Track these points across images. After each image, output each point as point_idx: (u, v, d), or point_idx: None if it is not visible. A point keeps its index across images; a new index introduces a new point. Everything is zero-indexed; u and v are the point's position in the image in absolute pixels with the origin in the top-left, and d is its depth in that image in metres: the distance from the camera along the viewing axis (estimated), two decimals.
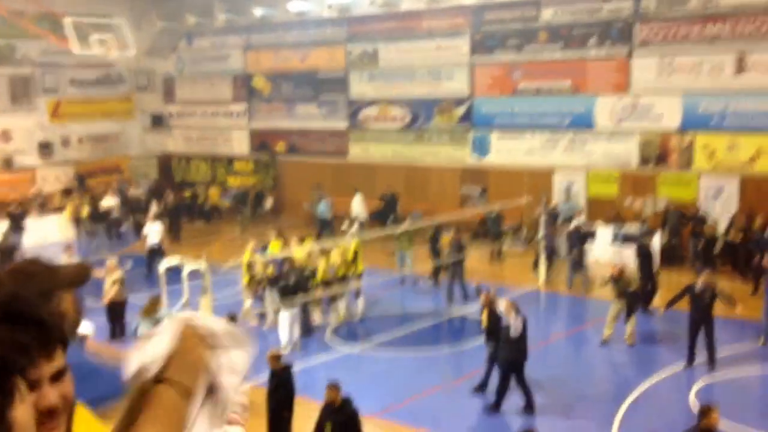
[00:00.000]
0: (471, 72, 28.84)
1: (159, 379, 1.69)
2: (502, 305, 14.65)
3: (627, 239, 23.28)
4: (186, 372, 1.72)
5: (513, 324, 14.20)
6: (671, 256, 22.64)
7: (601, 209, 24.79)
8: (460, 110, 29.23)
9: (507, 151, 28.06)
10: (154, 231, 25.54)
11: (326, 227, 28.49)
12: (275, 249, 20.74)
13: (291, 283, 18.17)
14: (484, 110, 28.68)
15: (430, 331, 19.38)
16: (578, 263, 21.99)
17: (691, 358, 16.22)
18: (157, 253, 24.30)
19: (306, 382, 15.21)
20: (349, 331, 19.65)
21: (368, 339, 18.89)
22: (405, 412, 14.74)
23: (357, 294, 20.55)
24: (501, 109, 28.25)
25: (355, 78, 31.88)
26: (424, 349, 18.06)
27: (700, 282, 16.25)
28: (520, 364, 14.38)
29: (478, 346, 17.47)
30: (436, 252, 22.62)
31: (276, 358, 13.09)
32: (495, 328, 14.81)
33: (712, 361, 16.13)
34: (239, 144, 36.06)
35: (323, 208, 29.20)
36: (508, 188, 26.69)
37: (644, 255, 20.10)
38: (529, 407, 14.41)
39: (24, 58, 34.16)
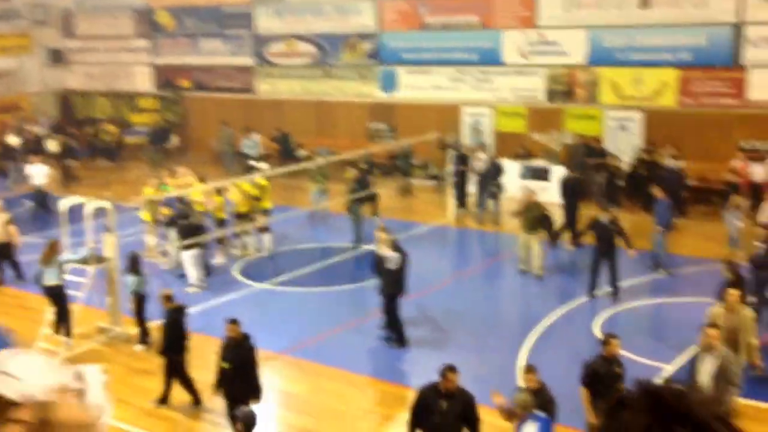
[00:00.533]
0: (378, 7, 28.25)
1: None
2: (379, 238, 14.57)
3: (534, 174, 23.30)
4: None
5: (388, 257, 14.15)
6: (577, 190, 22.74)
7: (509, 145, 24.72)
8: (368, 46, 28.68)
9: (415, 87, 27.71)
10: (38, 172, 24.88)
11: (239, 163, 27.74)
12: (171, 188, 20.09)
13: (189, 223, 17.65)
14: (391, 46, 28.19)
15: (340, 267, 19.10)
16: (493, 196, 21.90)
17: (593, 289, 16.36)
18: (44, 194, 23.72)
19: (212, 320, 14.87)
20: (258, 268, 19.31)
21: (277, 276, 18.52)
22: (314, 350, 14.54)
23: (264, 230, 20.16)
24: (408, 45, 27.80)
25: (261, 13, 30.90)
26: (334, 285, 17.79)
27: (604, 216, 16.33)
28: (396, 297, 14.36)
29: None
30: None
31: (167, 297, 12.88)
32: (380, 263, 14.67)
33: (615, 293, 16.30)
34: (143, 80, 34.78)
35: (251, 144, 28.42)
36: (417, 124, 26.43)
37: (571, 191, 20.12)
38: (399, 341, 14.38)
39: None
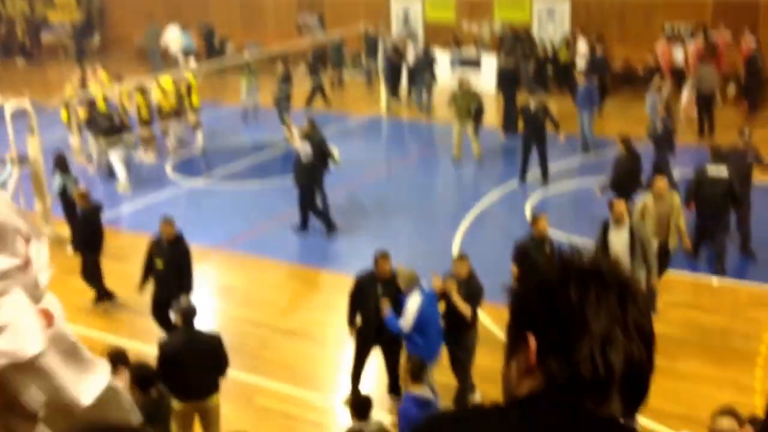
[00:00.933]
0: None
1: None
2: (287, 133, 14.73)
3: (465, 63, 23.29)
4: None
5: (301, 149, 14.35)
6: (513, 79, 22.90)
7: (439, 35, 24.56)
8: None
9: None
10: None
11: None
12: (93, 87, 19.59)
13: (109, 125, 17.33)
14: None
15: (272, 162, 19.01)
16: (426, 86, 21.88)
17: (523, 174, 16.66)
18: None
19: (146, 218, 14.78)
20: (190, 166, 19.12)
21: (210, 172, 18.37)
22: (250, 243, 14.63)
23: (195, 128, 19.88)
24: None
25: None
26: (266, 180, 17.74)
27: (533, 103, 16.51)
28: (312, 188, 14.55)
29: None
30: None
31: (82, 196, 12.65)
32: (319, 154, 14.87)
33: (545, 176, 16.64)
34: None
35: (187, 41, 27.65)
36: (346, 16, 26.02)
37: (508, 80, 20.19)
38: (327, 228, 14.67)
39: None
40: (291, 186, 16.43)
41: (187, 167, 19.00)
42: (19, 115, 15.76)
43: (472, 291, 9.38)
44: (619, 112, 21.06)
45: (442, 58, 23.48)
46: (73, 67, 28.08)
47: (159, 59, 27.89)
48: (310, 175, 14.55)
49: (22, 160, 15.14)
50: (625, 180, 13.44)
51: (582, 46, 22.23)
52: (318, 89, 21.84)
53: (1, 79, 27.88)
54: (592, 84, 18.11)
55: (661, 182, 11.50)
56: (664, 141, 14.93)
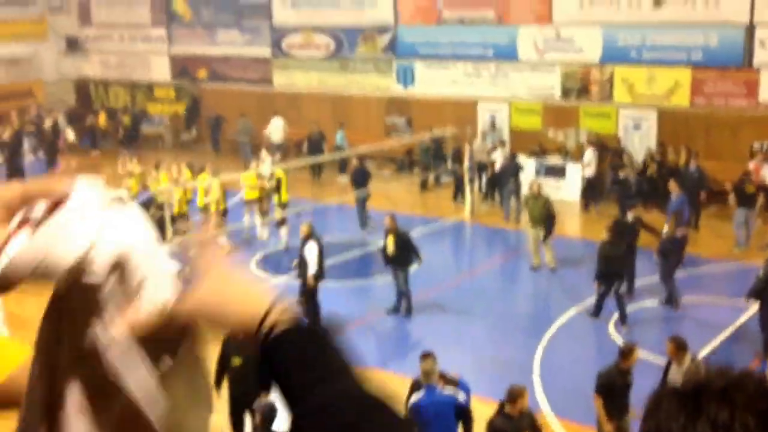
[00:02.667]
0: (395, 0, 28.47)
1: None
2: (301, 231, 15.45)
3: (550, 171, 23.60)
4: None
5: (306, 248, 14.94)
6: (592, 188, 23.13)
7: (525, 141, 25.03)
8: (384, 39, 28.95)
9: (431, 82, 27.97)
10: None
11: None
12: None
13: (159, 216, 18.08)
14: (408, 39, 28.44)
15: (360, 261, 19.46)
16: (513, 193, 22.26)
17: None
18: None
19: None
20: (275, 261, 19.52)
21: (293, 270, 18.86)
22: None
23: (281, 223, 20.44)
24: (425, 39, 28.04)
25: (278, 4, 31.19)
26: (353, 279, 18.16)
27: (629, 215, 16.82)
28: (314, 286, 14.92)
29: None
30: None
31: None
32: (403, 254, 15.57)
33: (631, 290, 16.67)
34: (159, 70, 35.11)
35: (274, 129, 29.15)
36: (433, 119, 26.66)
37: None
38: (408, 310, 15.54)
39: None
40: (371, 287, 16.66)
41: (271, 263, 19.39)
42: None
43: (532, 427, 9.15)
44: (708, 229, 20.93)
45: (527, 165, 23.84)
46: (171, 157, 29.53)
47: (249, 152, 28.93)
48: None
49: None
50: None
51: (672, 159, 22.39)
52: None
53: (98, 168, 29.26)
54: (684, 198, 18.22)
55: None
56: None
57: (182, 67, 34.36)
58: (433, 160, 25.97)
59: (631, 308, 16.21)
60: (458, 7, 27.26)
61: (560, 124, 25.19)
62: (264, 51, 31.83)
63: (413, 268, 16.28)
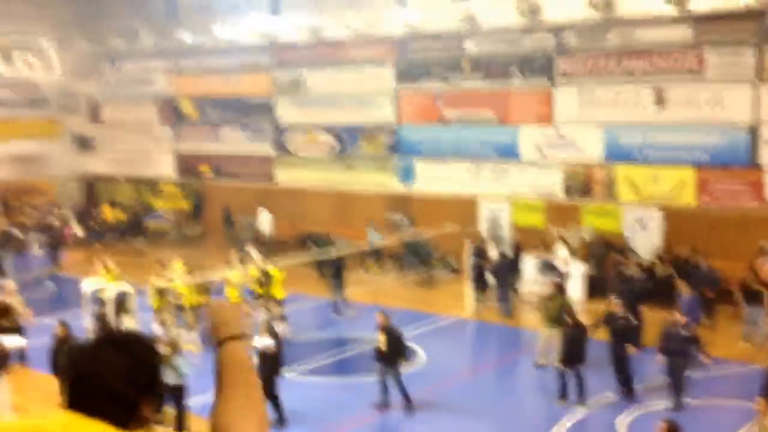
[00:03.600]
0: (396, 100, 28.22)
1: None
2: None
3: (552, 269, 22.80)
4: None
5: (262, 342, 14.58)
6: (595, 286, 22.19)
7: (527, 239, 24.19)
8: (386, 138, 28.61)
9: (432, 179, 27.49)
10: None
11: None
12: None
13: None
14: (409, 138, 28.09)
15: (361, 357, 18.42)
16: (513, 290, 21.62)
17: (626, 388, 15.68)
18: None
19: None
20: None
21: (293, 364, 17.87)
22: None
23: (279, 319, 19.64)
24: (426, 138, 27.67)
25: (281, 104, 31.03)
26: (354, 376, 17.09)
27: (619, 311, 15.85)
28: (273, 380, 14.48)
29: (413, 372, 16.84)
30: None
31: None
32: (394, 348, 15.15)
33: (630, 390, 15.67)
34: (165, 167, 34.82)
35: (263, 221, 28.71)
36: (434, 216, 26.01)
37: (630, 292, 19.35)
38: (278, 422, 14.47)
39: None
40: (372, 383, 15.85)
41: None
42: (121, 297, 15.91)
43: None
44: (717, 329, 19.89)
45: (530, 263, 23.05)
46: (174, 251, 28.82)
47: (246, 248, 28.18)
48: (273, 368, 14.60)
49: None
50: None
51: (680, 258, 21.50)
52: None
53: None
54: (695, 297, 17.32)
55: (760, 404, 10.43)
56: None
57: (187, 164, 33.95)
58: (428, 256, 25.17)
59: (637, 411, 15.03)
60: (459, 107, 26.94)
61: (563, 221, 24.43)
62: (267, 149, 31.49)
63: (414, 366, 15.31)
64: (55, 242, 30.22)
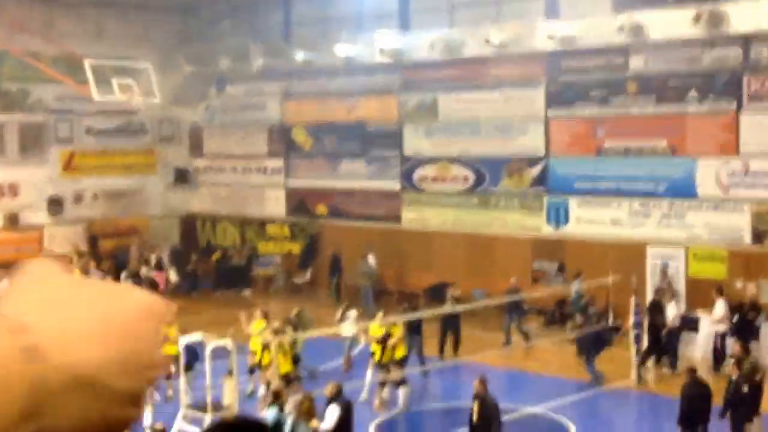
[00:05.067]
0: (546, 127, 28.04)
1: None
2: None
3: (742, 331, 21.89)
4: None
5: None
6: None
7: (706, 293, 23.31)
8: (534, 171, 28.38)
9: (589, 221, 27.05)
10: None
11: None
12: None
13: None
14: (561, 172, 27.78)
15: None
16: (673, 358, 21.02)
17: None
18: None
19: None
20: (396, 429, 19.17)
21: None
22: None
23: (399, 384, 19.69)
24: (582, 172, 27.34)
25: (409, 132, 31.22)
26: None
27: None
28: None
29: None
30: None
31: None
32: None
33: None
34: (274, 205, 35.42)
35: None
36: (590, 265, 25.42)
37: None
38: None
39: (37, 104, 34.10)
40: None
41: (392, 429, 18.82)
42: (219, 354, 16.02)
43: None
44: None
45: (705, 322, 22.24)
46: (282, 302, 29.17)
47: (371, 299, 28.24)
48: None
49: (217, 407, 15.19)
50: None
51: None
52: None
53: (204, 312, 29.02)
54: None
55: None
56: None
57: (299, 202, 34.46)
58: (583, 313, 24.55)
59: None
60: (622, 136, 26.49)
61: (752, 273, 23.55)
62: (392, 184, 31.69)
63: None
64: (147, 288, 30.97)
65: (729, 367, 17.16)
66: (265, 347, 18.85)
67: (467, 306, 22.88)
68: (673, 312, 22.07)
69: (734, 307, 22.69)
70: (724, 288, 22.57)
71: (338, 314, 22.37)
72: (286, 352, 19.15)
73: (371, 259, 29.61)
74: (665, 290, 23.95)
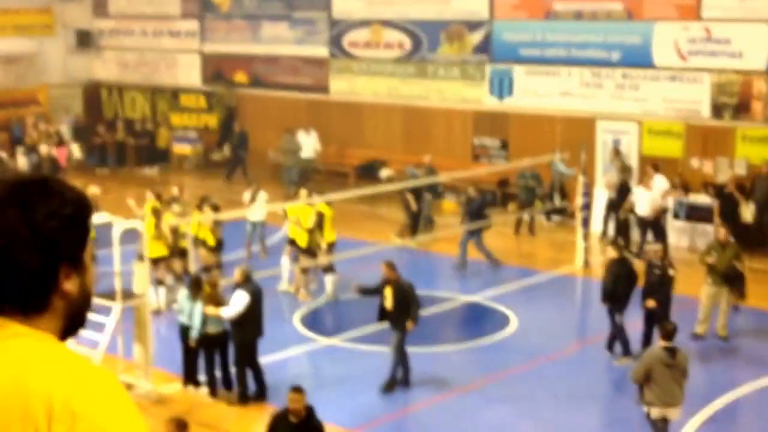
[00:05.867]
0: None
1: None
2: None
3: (694, 213, 22.20)
4: None
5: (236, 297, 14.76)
6: (759, 236, 21.57)
7: (660, 172, 23.56)
8: (476, 37, 28.07)
9: (536, 93, 26.95)
10: None
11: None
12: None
13: None
14: (506, 38, 27.54)
15: (434, 321, 18.25)
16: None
17: None
18: None
19: (270, 380, 14.75)
20: (323, 318, 19.26)
21: (347, 329, 17.88)
22: (394, 428, 14.28)
23: (327, 270, 19.77)
24: (529, 38, 27.11)
25: None
26: (421, 345, 16.81)
27: None
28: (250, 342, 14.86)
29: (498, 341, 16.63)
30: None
31: None
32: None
33: None
34: (188, 72, 34.92)
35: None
36: (536, 141, 25.65)
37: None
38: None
39: None
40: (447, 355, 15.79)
41: (319, 320, 18.97)
42: (129, 237, 15.93)
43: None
44: None
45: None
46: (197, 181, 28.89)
47: (295, 177, 28.16)
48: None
49: (127, 294, 15.07)
50: None
51: None
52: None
53: (111, 191, 28.66)
54: None
55: None
56: None
57: (216, 69, 34.01)
58: (531, 195, 24.74)
59: None
60: None
61: (708, 150, 23.88)
62: (319, 50, 31.28)
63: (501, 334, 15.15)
64: (48, 166, 30.48)
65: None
66: (174, 231, 18.68)
67: (398, 186, 22.66)
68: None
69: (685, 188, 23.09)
70: (660, 165, 22.84)
71: (247, 196, 22.05)
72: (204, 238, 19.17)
73: (304, 136, 29.32)
74: (629, 170, 24.23)
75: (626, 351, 16.00)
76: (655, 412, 12.08)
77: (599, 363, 16.35)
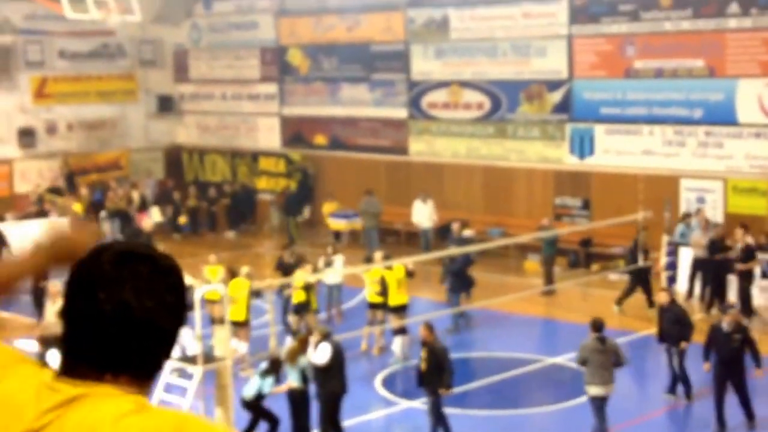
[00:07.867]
0: (570, 47, 27.94)
1: None
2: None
3: None
4: None
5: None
6: None
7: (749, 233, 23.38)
8: (555, 96, 28.32)
9: (617, 151, 27.07)
10: None
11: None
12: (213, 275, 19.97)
13: None
14: (586, 96, 27.74)
15: (518, 382, 18.31)
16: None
17: None
18: None
19: None
20: (407, 380, 18.69)
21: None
22: None
23: (396, 332, 19.85)
24: (609, 96, 27.30)
25: (417, 53, 31.12)
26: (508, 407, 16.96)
27: None
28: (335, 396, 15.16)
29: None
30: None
31: None
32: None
33: None
34: (267, 135, 35.43)
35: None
36: (618, 199, 25.60)
37: None
38: None
39: (4, 24, 33.92)
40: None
41: (403, 382, 18.88)
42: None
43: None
44: None
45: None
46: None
47: (376, 241, 28.36)
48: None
49: (209, 359, 15.39)
50: None
51: None
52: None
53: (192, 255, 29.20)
54: None
55: None
56: None
57: (295, 132, 34.51)
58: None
59: None
60: (654, 55, 26.44)
61: None
62: (399, 111, 31.66)
63: None
64: (130, 231, 31.07)
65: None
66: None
67: (481, 246, 22.80)
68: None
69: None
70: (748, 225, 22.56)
71: (324, 259, 22.32)
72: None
73: (421, 205, 29.02)
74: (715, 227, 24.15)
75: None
76: (593, 390, 14.79)
77: (691, 426, 16.32)
